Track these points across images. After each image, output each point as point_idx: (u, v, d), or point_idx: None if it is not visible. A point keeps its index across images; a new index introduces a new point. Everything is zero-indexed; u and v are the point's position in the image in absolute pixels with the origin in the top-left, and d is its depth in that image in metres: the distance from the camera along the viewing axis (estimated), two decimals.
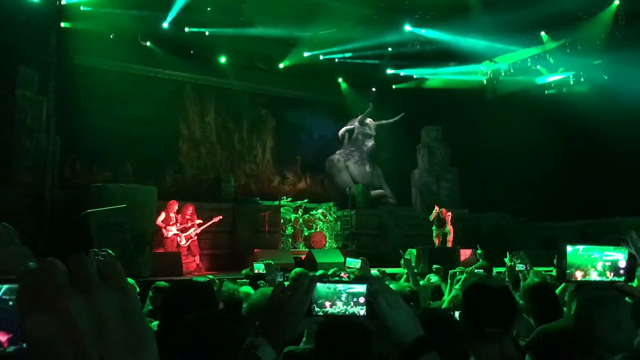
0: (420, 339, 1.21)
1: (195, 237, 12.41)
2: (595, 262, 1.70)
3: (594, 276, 1.70)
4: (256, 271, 5.74)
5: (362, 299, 1.24)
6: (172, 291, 2.45)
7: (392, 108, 18.18)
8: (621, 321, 1.85)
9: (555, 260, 6.29)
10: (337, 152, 18.09)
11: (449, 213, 13.85)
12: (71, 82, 13.43)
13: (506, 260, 6.18)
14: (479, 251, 8.36)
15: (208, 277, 5.96)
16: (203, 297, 2.29)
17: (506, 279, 4.89)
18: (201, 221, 12.43)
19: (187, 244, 12.24)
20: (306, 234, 15.26)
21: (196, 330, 1.59)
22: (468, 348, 2.07)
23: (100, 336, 0.47)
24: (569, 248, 1.70)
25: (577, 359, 1.98)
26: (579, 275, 1.68)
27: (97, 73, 14.38)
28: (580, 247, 1.72)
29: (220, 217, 12.84)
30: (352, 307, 1.24)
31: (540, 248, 13.21)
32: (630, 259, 1.77)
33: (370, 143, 17.92)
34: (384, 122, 18.17)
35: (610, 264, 1.71)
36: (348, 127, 18.10)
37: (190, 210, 12.49)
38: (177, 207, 12.12)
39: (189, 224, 12.27)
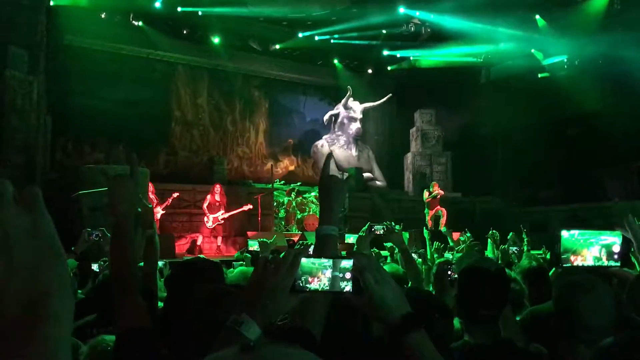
0: (408, 316, 1.18)
1: (222, 221, 12.50)
2: (591, 246, 1.67)
3: (590, 261, 1.67)
4: (251, 248, 5.74)
5: (348, 275, 1.20)
6: (182, 266, 2.43)
7: (387, 90, 18.11)
8: (601, 303, 1.84)
9: (543, 246, 6.31)
10: (324, 137, 18.02)
11: (442, 192, 13.96)
12: (62, 63, 13.26)
13: (489, 241, 6.22)
14: (467, 234, 8.32)
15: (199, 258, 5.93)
16: (213, 273, 2.27)
17: (499, 261, 4.92)
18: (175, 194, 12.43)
19: (214, 225, 12.32)
20: (299, 216, 15.27)
21: (212, 302, 1.57)
22: (452, 325, 2.07)
23: (3, 253, 0.49)
24: (564, 233, 1.67)
25: (560, 343, 1.99)
26: (575, 260, 1.65)
27: (88, 53, 14.20)
28: (576, 232, 1.69)
29: (250, 206, 12.94)
30: (338, 282, 1.22)
31: (532, 232, 13.25)
32: (625, 243, 1.75)
33: (355, 126, 17.76)
34: (370, 104, 18.07)
35: (606, 248, 1.68)
36: (332, 112, 17.99)
37: (218, 189, 12.55)
38: (152, 188, 12.10)
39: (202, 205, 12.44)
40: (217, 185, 12.74)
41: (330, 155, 1.80)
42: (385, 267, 3.52)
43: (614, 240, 1.68)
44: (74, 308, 0.54)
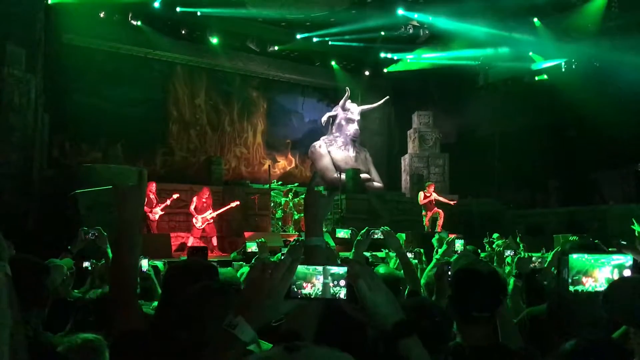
0: (401, 323, 1.20)
1: (212, 220, 12.50)
2: (603, 267, 1.60)
3: (602, 282, 1.61)
4: (249, 249, 5.74)
5: (342, 282, 1.21)
6: (176, 267, 2.44)
7: (384, 92, 18.15)
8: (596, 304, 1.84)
9: (543, 249, 6.35)
10: (322, 138, 18.02)
11: (435, 195, 13.92)
12: (60, 61, 13.23)
13: (485, 241, 6.27)
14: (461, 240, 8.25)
15: None
16: (206, 274, 2.27)
17: (494, 264, 4.94)
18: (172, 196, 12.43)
19: (203, 226, 12.32)
20: (296, 217, 15.26)
21: (202, 299, 1.58)
22: (448, 332, 2.08)
23: None
24: (574, 256, 1.61)
25: (555, 339, 2.00)
26: (586, 281, 1.59)
27: (86, 52, 14.19)
28: (585, 255, 1.63)
29: (238, 202, 12.93)
30: (330, 288, 1.22)
31: (529, 234, 13.31)
32: (636, 265, 1.69)
33: (353, 128, 17.80)
34: (368, 106, 18.11)
35: (618, 269, 1.62)
36: (330, 113, 18.02)
37: (206, 194, 12.58)
38: (154, 188, 12.08)
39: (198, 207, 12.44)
40: (206, 190, 12.72)
41: (315, 174, 1.91)
42: (381, 269, 3.54)
43: (626, 260, 1.62)
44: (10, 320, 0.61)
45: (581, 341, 1.44)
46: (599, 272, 1.58)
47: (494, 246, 6.48)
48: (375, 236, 3.67)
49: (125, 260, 1.81)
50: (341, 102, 17.66)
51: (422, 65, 17.80)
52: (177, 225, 13.25)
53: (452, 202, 14.08)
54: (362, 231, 3.65)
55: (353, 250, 3.56)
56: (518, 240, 7.02)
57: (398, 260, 3.88)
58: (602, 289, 1.58)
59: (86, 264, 4.65)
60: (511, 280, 3.56)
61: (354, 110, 17.82)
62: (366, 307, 1.19)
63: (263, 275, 1.21)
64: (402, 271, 3.56)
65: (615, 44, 13.38)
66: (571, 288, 1.59)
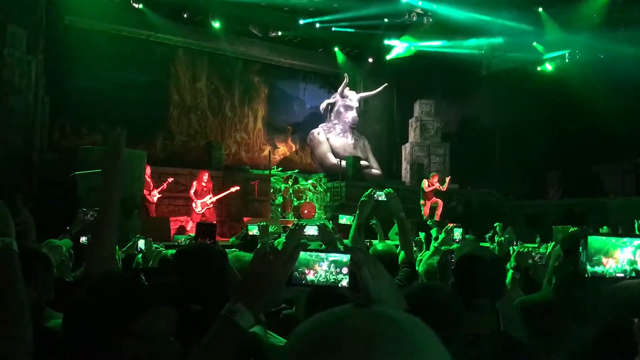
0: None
1: (212, 205, 12.52)
2: (625, 247, 1.56)
3: (623, 264, 1.54)
4: (250, 232, 5.67)
5: (345, 269, 1.20)
6: (182, 253, 2.40)
7: (387, 80, 18.08)
8: (602, 294, 1.83)
9: (537, 238, 6.34)
10: (320, 125, 17.95)
11: (438, 185, 13.91)
12: (61, 43, 13.17)
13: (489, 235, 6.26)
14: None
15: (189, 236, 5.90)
16: (215, 261, 2.24)
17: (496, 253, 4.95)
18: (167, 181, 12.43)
19: (203, 210, 12.34)
20: (296, 204, 15.28)
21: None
22: (459, 323, 2.06)
23: None
24: (593, 236, 1.55)
25: (561, 327, 2.00)
26: (607, 262, 1.52)
27: (87, 34, 14.09)
28: (604, 238, 1.56)
29: (238, 187, 12.94)
30: (333, 275, 1.21)
31: (527, 225, 13.34)
32: None
33: (352, 115, 17.73)
34: (366, 93, 18.07)
35: None
36: (329, 101, 17.94)
37: (206, 177, 12.58)
38: (149, 171, 12.09)
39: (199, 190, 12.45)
40: (206, 173, 12.73)
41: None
42: (379, 246, 3.55)
43: None
44: None
45: (601, 327, 1.41)
46: (621, 253, 1.51)
47: (490, 235, 6.47)
48: (380, 198, 3.61)
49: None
50: (340, 89, 17.59)
51: (425, 53, 17.69)
52: (176, 209, 13.27)
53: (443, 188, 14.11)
54: (366, 192, 3.59)
55: (357, 213, 3.50)
56: (498, 230, 6.92)
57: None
58: (622, 274, 1.52)
59: (83, 239, 4.64)
60: (509, 273, 3.58)
61: (353, 97, 17.76)
62: (369, 295, 1.17)
63: (264, 262, 1.20)
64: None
65: (619, 36, 13.29)
66: (589, 269, 1.53)
